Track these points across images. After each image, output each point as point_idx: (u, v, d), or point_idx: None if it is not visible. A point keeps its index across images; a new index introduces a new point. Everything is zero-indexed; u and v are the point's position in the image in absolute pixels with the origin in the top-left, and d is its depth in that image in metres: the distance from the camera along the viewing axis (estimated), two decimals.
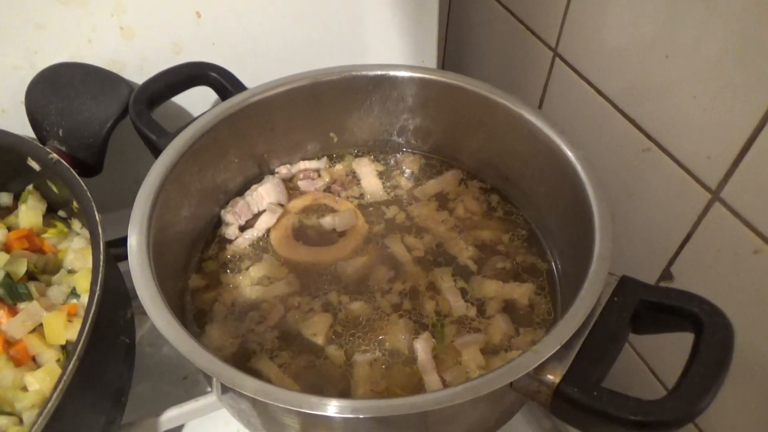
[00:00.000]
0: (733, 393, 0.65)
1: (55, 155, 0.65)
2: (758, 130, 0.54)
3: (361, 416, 0.43)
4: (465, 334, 0.62)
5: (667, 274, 0.71)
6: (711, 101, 0.58)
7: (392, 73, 0.73)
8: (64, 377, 0.48)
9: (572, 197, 0.61)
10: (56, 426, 0.48)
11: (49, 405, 0.46)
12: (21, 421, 0.55)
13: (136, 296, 0.51)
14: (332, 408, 0.43)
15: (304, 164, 0.79)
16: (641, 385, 0.79)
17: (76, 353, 0.49)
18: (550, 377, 0.46)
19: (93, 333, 0.52)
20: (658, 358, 0.76)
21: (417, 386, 0.59)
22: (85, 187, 0.62)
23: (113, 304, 0.60)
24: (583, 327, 0.47)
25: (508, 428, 0.68)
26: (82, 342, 0.50)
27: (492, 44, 0.96)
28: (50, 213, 0.73)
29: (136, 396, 0.71)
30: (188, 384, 0.74)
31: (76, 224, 0.72)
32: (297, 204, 0.75)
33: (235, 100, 0.68)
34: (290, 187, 0.78)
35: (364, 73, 0.73)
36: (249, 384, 0.45)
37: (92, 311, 0.52)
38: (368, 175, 0.78)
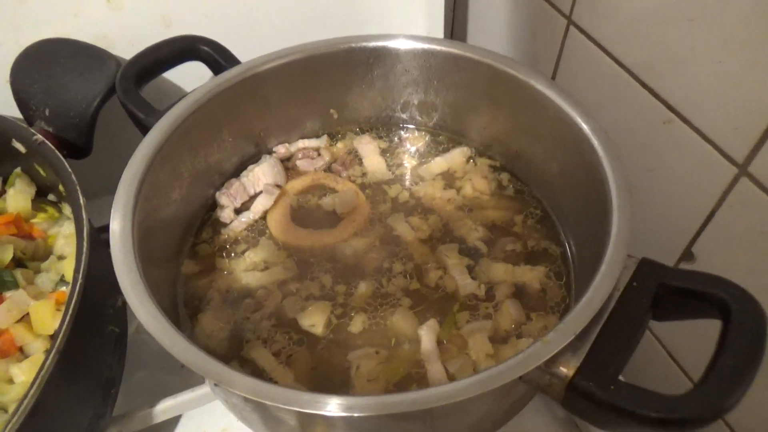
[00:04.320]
0: (765, 385, 0.61)
1: (39, 136, 0.62)
2: None
3: (356, 415, 0.40)
4: (472, 321, 0.59)
5: (688, 255, 0.67)
6: (739, 67, 0.54)
7: (393, 43, 0.68)
8: (43, 371, 0.45)
9: (587, 173, 0.57)
10: (37, 421, 0.46)
11: (26, 400, 0.44)
12: None
13: None
14: (327, 406, 0.40)
15: (303, 143, 0.75)
16: (664, 376, 0.76)
17: (56, 345, 0.46)
18: (563, 370, 0.42)
19: (76, 323, 0.49)
20: (682, 347, 0.72)
21: (420, 376, 0.55)
22: (69, 169, 0.59)
23: (101, 291, 0.57)
24: (598, 315, 0.44)
25: (519, 417, 0.66)
26: (62, 333, 0.47)
27: (501, 13, 0.91)
28: (41, 197, 0.71)
29: (131, 386, 0.70)
30: (185, 373, 0.70)
31: (67, 209, 0.69)
32: (296, 185, 0.71)
33: (228, 75, 0.64)
34: (289, 167, 0.74)
35: (363, 44, 0.68)
36: (237, 381, 0.42)
37: (74, 300, 0.49)
38: (371, 153, 0.74)
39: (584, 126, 0.58)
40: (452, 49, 0.67)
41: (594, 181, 0.55)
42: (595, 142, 0.56)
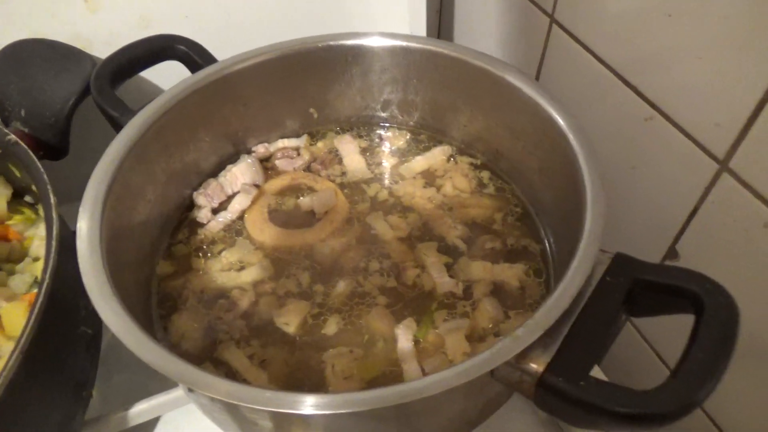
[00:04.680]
0: (747, 379, 0.61)
1: (13, 136, 0.62)
2: None
3: (319, 413, 0.39)
4: (450, 320, 0.58)
5: (672, 252, 0.67)
6: (718, 63, 0.54)
7: (369, 41, 0.68)
8: (5, 372, 0.44)
9: (564, 170, 0.56)
10: (0, 422, 0.45)
11: None
12: None
13: None
14: (286, 403, 0.39)
15: (282, 142, 0.74)
16: (646, 369, 0.75)
17: (19, 346, 0.45)
18: (533, 366, 0.41)
19: (43, 324, 0.48)
20: (663, 340, 0.72)
21: (396, 374, 0.54)
22: (41, 170, 0.58)
23: (72, 293, 0.56)
24: (570, 311, 0.43)
25: (500, 418, 0.65)
26: (27, 333, 0.46)
27: (486, 12, 0.91)
28: (17, 199, 0.70)
29: (110, 388, 0.69)
30: (165, 376, 0.71)
31: (43, 210, 0.68)
32: (274, 184, 0.71)
33: (202, 74, 0.64)
34: (268, 166, 0.73)
35: (341, 42, 0.68)
36: (202, 381, 0.41)
37: (40, 300, 0.48)
38: (351, 152, 0.74)
39: (561, 122, 0.57)
40: (429, 46, 0.66)
41: (571, 177, 0.55)
42: (572, 138, 0.55)
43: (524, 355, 0.41)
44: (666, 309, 0.46)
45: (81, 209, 0.51)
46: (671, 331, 0.69)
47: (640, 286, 0.45)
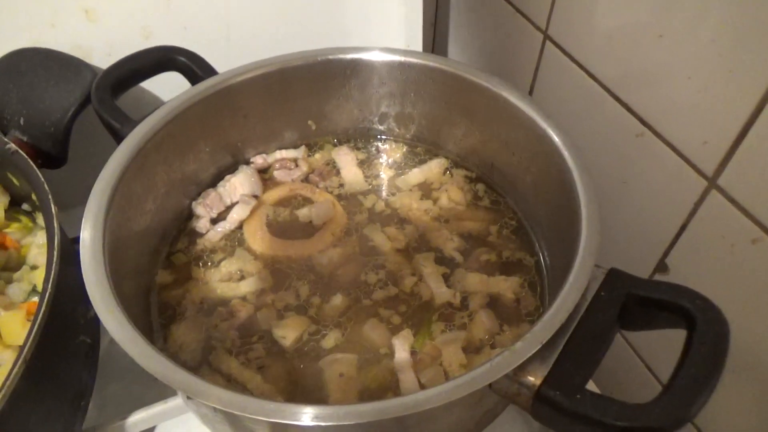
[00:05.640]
0: (732, 391, 0.62)
1: (12, 145, 0.62)
2: (756, 112, 0.51)
3: (323, 424, 0.40)
4: (447, 332, 0.59)
5: (662, 266, 0.68)
6: (707, 83, 0.55)
7: (368, 56, 0.69)
8: (8, 382, 0.44)
9: (559, 186, 0.57)
10: None
11: None
12: None
13: None
14: (292, 415, 0.40)
15: (280, 153, 0.75)
16: (635, 381, 0.76)
17: (22, 356, 0.46)
18: (531, 379, 0.43)
19: (45, 333, 0.48)
20: (654, 354, 0.73)
21: (394, 384, 0.55)
22: (42, 178, 0.58)
23: (72, 302, 0.56)
24: (566, 325, 0.44)
25: (493, 428, 0.66)
26: (29, 344, 0.46)
27: (481, 27, 0.93)
28: (15, 207, 0.70)
29: (105, 398, 0.69)
30: (161, 385, 0.69)
31: (41, 218, 0.68)
32: (272, 195, 0.71)
33: (202, 86, 0.65)
34: (266, 177, 0.74)
35: (340, 56, 0.69)
36: (204, 391, 0.42)
37: (42, 310, 0.48)
38: (348, 164, 0.75)
39: (556, 139, 0.58)
40: (426, 61, 0.67)
41: (565, 193, 0.56)
42: (566, 155, 0.56)
43: (522, 368, 0.42)
44: (658, 323, 0.47)
45: (84, 221, 0.52)
46: (661, 345, 0.70)
47: (633, 301, 0.46)
